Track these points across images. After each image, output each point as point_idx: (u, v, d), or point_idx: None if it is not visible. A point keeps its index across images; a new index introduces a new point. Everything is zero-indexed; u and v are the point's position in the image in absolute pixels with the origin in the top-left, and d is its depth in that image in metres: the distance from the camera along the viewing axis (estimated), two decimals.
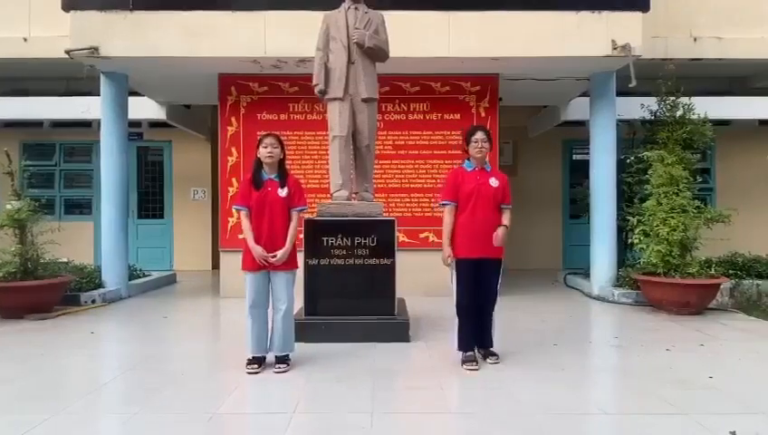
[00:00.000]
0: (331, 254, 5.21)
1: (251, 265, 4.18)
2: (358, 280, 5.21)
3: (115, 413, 3.54)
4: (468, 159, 4.42)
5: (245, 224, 4.21)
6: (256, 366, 4.19)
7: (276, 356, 4.28)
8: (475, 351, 4.37)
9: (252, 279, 4.21)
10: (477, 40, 6.94)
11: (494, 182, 4.32)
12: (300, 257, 4.63)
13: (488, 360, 4.37)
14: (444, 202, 4.40)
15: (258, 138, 4.35)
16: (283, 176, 4.29)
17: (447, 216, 4.35)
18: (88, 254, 10.29)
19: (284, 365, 4.24)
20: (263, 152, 4.21)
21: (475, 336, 4.39)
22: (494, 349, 4.45)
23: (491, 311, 4.38)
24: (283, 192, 4.22)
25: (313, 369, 4.28)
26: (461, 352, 4.33)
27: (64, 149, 11.18)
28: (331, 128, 5.53)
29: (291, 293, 4.31)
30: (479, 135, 4.32)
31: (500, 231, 4.27)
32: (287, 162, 4.48)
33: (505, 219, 4.35)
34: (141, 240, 11.16)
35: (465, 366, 4.24)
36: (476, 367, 4.22)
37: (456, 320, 4.34)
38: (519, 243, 10.26)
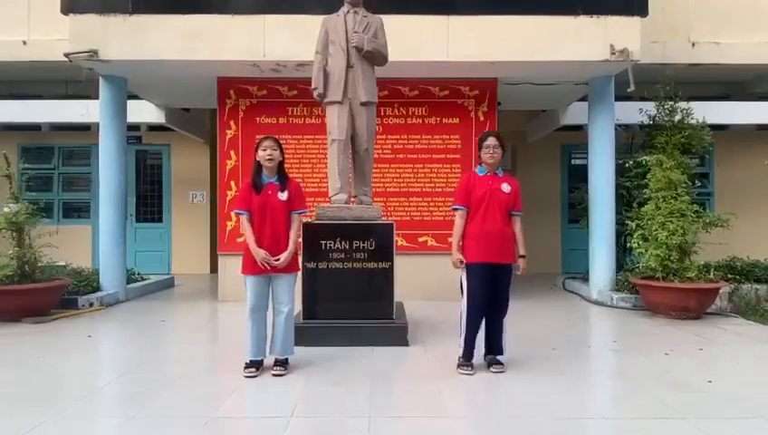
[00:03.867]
0: (329, 257, 5.20)
1: (251, 268, 4.17)
2: (356, 284, 5.19)
3: (112, 417, 3.52)
4: (481, 165, 4.42)
5: (247, 228, 4.19)
6: (254, 370, 4.17)
7: (276, 359, 4.27)
8: (473, 358, 4.32)
9: (252, 282, 4.19)
10: (476, 44, 6.95)
11: (506, 188, 4.31)
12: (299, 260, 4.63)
13: (492, 368, 4.28)
14: (455, 207, 4.39)
15: (257, 141, 4.34)
16: (283, 179, 4.29)
17: (458, 220, 4.33)
18: (86, 257, 10.28)
19: (283, 368, 4.23)
20: (262, 155, 4.20)
21: (487, 340, 4.36)
22: (500, 357, 4.36)
23: (502, 317, 4.33)
24: (283, 195, 4.21)
25: (311, 372, 4.27)
26: (461, 357, 4.30)
27: (63, 152, 11.17)
28: (329, 131, 5.53)
29: (292, 296, 4.30)
30: (491, 141, 4.32)
31: (522, 263, 4.31)
32: (286, 165, 4.47)
33: (521, 243, 4.33)
34: (140, 244, 11.14)
35: (460, 370, 4.22)
36: (472, 372, 4.21)
37: (464, 325, 4.27)
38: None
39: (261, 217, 4.18)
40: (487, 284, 4.22)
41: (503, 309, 4.32)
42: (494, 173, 4.36)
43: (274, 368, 4.21)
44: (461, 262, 4.25)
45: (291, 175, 4.57)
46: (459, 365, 4.26)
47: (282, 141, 4.44)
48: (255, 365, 4.20)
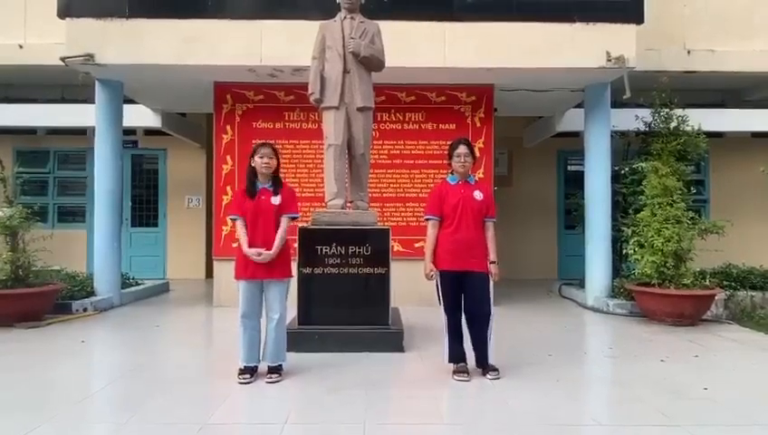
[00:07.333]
0: (325, 263, 5.19)
1: (243, 273, 4.16)
2: (352, 289, 5.18)
3: (104, 422, 3.49)
4: (452, 173, 4.43)
5: (241, 232, 4.19)
6: (248, 376, 4.14)
7: (269, 366, 4.24)
8: (467, 362, 4.32)
9: (244, 288, 4.18)
10: (473, 50, 6.96)
11: (478, 195, 4.32)
12: (294, 266, 4.61)
13: (488, 375, 4.24)
14: (428, 217, 4.40)
15: (253, 146, 4.34)
16: (277, 185, 4.28)
17: (431, 229, 4.36)
18: (81, 261, 10.23)
19: (276, 375, 4.20)
20: (258, 162, 4.20)
21: (474, 350, 4.34)
22: (493, 363, 4.34)
23: (485, 327, 4.28)
24: (276, 200, 4.21)
25: (306, 379, 4.25)
26: (452, 364, 4.30)
27: (58, 156, 11.13)
28: (326, 136, 5.52)
29: (284, 302, 4.27)
30: (462, 149, 4.32)
31: (493, 269, 4.29)
32: (282, 171, 4.47)
33: (491, 251, 4.31)
34: (135, 248, 11.09)
35: (455, 377, 4.21)
36: (467, 378, 4.20)
37: (445, 332, 4.32)
38: (514, 253, 10.25)
39: (254, 221, 4.17)
40: (459, 289, 4.26)
41: (483, 320, 4.27)
42: (466, 181, 4.39)
43: (268, 375, 4.19)
44: (432, 272, 4.28)
45: (287, 180, 4.57)
46: (454, 372, 4.25)
47: (278, 146, 4.45)
48: (249, 371, 4.18)
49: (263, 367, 4.27)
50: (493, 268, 4.30)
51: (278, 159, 4.30)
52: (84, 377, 4.50)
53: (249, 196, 4.20)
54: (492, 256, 4.33)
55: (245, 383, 4.09)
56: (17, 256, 6.36)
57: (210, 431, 3.26)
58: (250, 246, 4.14)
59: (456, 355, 4.30)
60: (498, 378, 4.23)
